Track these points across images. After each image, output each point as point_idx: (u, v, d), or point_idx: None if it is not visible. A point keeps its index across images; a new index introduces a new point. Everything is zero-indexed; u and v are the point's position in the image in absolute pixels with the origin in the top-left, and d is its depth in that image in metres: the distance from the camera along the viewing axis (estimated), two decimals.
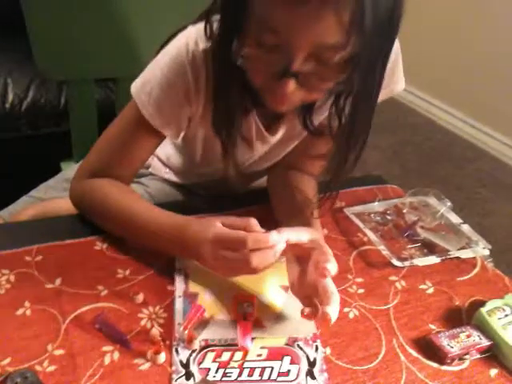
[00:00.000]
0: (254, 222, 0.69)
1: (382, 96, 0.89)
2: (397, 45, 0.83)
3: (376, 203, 1.00)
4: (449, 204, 0.97)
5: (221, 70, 0.74)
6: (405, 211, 0.96)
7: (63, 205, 0.96)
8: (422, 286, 0.84)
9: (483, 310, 0.76)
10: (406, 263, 0.86)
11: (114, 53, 1.31)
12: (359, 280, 0.84)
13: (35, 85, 1.76)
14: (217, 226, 0.70)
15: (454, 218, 0.97)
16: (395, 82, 0.88)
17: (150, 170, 1.13)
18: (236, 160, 0.83)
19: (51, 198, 1.07)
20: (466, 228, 0.95)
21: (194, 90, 0.80)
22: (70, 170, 1.19)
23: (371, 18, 0.60)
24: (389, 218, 0.96)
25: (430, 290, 0.83)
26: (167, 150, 1.08)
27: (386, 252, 0.88)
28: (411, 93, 3.19)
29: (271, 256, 0.67)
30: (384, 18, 0.62)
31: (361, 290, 0.82)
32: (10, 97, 1.72)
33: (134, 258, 0.82)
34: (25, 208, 1.04)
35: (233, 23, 0.68)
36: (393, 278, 0.85)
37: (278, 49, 0.65)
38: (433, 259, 0.87)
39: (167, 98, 0.80)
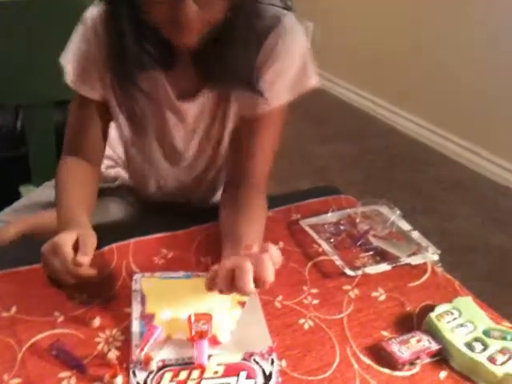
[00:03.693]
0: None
1: (297, 90, 0.92)
2: (305, 45, 0.90)
3: (330, 214, 1.02)
4: (398, 212, 1.00)
5: (115, 19, 0.82)
6: (357, 221, 0.99)
7: (47, 219, 0.98)
8: (375, 294, 0.86)
9: (432, 314, 0.79)
10: (359, 272, 0.88)
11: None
12: (314, 291, 0.86)
13: None
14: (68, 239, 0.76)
15: (405, 226, 1.00)
16: (308, 78, 0.92)
17: (116, 182, 1.15)
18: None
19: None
20: (415, 234, 0.98)
21: (98, 53, 0.90)
22: (34, 193, 1.19)
23: None
24: (342, 228, 0.99)
25: (382, 297, 0.86)
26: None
27: (339, 262, 0.90)
28: (372, 101, 3.25)
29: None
30: None
31: (315, 301, 0.84)
32: None
33: (91, 282, 0.82)
34: (10, 224, 1.03)
35: None
36: (346, 287, 0.87)
37: None
38: (383, 267, 0.90)
39: (80, 64, 0.93)
